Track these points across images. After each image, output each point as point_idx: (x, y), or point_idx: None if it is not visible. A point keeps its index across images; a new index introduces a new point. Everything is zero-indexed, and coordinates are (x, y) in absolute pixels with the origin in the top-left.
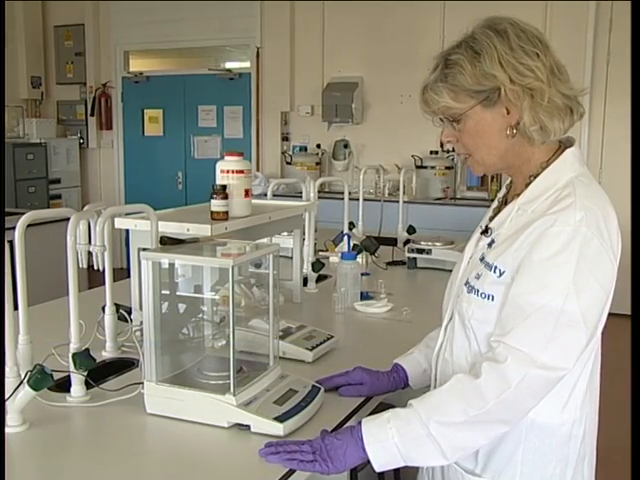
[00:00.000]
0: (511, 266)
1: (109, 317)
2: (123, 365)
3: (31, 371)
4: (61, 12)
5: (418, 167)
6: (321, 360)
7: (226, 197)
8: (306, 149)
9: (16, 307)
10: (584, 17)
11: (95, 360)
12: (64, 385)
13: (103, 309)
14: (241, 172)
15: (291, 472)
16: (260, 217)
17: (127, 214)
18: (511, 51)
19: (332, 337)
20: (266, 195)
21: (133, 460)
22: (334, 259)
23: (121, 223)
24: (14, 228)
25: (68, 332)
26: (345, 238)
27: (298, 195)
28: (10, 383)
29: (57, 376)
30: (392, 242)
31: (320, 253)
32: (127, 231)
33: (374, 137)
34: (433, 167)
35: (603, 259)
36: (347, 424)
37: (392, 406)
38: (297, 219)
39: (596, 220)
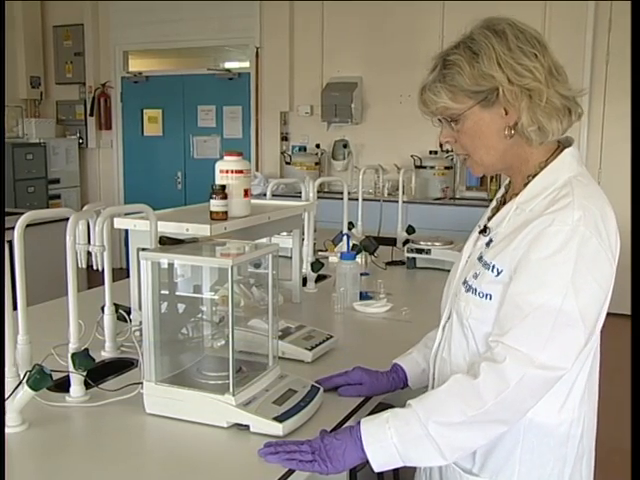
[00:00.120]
0: (509, 265)
1: (108, 317)
2: (122, 365)
3: (30, 371)
4: (60, 12)
5: (417, 167)
6: (320, 360)
7: (225, 197)
8: (305, 149)
9: (15, 307)
10: (583, 17)
11: (94, 360)
12: (63, 385)
13: (102, 309)
14: (240, 172)
15: (290, 472)
16: (259, 217)
17: (126, 214)
18: (509, 52)
19: (331, 337)
20: (265, 195)
21: (132, 460)
22: (333, 259)
23: (120, 223)
24: (13, 228)
25: (67, 332)
26: (344, 238)
27: (297, 195)
28: (9, 383)
29: (56, 376)
30: (391, 242)
31: (319, 253)
32: (126, 231)
33: (373, 137)
34: (432, 167)
35: (601, 258)
36: (346, 424)
37: (391, 406)
38: (296, 219)
39: (594, 219)
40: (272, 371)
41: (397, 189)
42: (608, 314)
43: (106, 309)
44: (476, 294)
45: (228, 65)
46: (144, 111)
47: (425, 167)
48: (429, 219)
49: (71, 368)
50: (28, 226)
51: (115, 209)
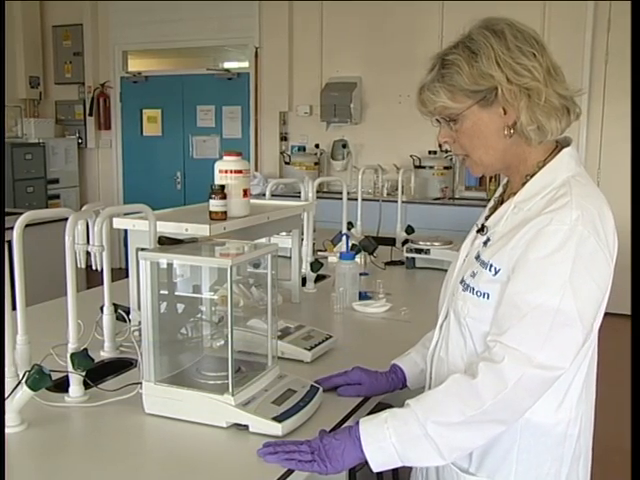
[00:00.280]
0: (507, 265)
1: (107, 317)
2: (121, 365)
3: (29, 371)
4: (59, 12)
5: (417, 167)
6: (320, 360)
7: (224, 197)
8: (304, 149)
9: (14, 307)
10: (582, 17)
11: (93, 360)
12: (62, 385)
13: (101, 309)
14: (239, 172)
15: (289, 472)
16: (258, 217)
17: (125, 214)
18: (508, 51)
19: (330, 337)
20: (265, 195)
21: (131, 460)
22: (333, 259)
23: (119, 223)
24: (12, 228)
25: (66, 332)
26: (344, 238)
27: (297, 195)
28: (8, 383)
29: (55, 376)
30: (391, 242)
31: (319, 253)
32: (125, 231)
33: (373, 137)
34: (431, 167)
35: (599, 258)
36: (345, 424)
37: (390, 406)
38: (296, 219)
39: (592, 219)
40: (271, 371)
41: (396, 189)
42: (608, 314)
43: (105, 309)
44: (474, 293)
45: (227, 65)
46: (143, 111)
47: (424, 167)
48: (428, 219)
49: (70, 368)
50: (27, 226)
51: (114, 209)
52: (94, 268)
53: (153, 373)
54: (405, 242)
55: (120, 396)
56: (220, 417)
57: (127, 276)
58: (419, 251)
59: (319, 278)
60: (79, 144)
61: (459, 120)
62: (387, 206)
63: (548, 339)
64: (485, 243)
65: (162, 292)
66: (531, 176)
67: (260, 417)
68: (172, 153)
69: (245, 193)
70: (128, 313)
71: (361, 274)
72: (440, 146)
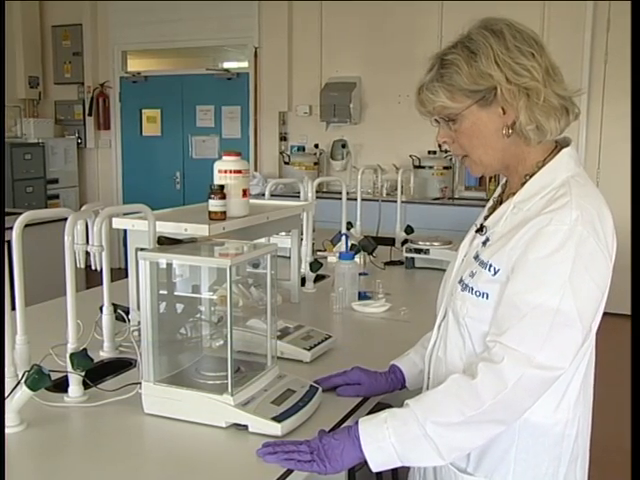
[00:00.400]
0: (506, 265)
1: (107, 317)
2: (121, 365)
3: (28, 371)
4: (59, 12)
5: (416, 167)
6: (319, 360)
7: (224, 197)
8: (304, 149)
9: (13, 307)
10: (582, 17)
11: (93, 360)
12: (62, 385)
13: (101, 309)
14: (239, 172)
15: (289, 472)
16: (258, 217)
17: (125, 214)
18: (507, 51)
19: (330, 337)
20: (264, 195)
21: (131, 460)
22: (332, 259)
23: (119, 223)
24: (12, 228)
25: (66, 332)
26: (343, 238)
27: (296, 195)
28: (8, 383)
29: (55, 376)
30: (390, 242)
31: (318, 253)
32: (125, 231)
33: (372, 137)
34: (431, 167)
35: (598, 258)
36: (345, 424)
37: (390, 406)
38: (295, 219)
39: (591, 219)
40: (271, 371)
41: (396, 189)
42: (608, 314)
43: (104, 309)
44: (472, 293)
45: (227, 65)
46: (143, 111)
47: (424, 167)
48: (428, 219)
49: (69, 368)
50: (26, 226)
51: (113, 209)
52: (93, 268)
53: (152, 373)
54: (404, 242)
55: (119, 396)
56: (219, 417)
57: (126, 276)
58: (418, 251)
59: (318, 278)
60: (78, 144)
61: (458, 120)
62: (386, 206)
63: (548, 339)
64: (484, 243)
65: (161, 292)
66: (530, 176)
67: (259, 417)
68: (171, 153)
69: (244, 193)
70: (127, 313)
71: (360, 274)
72: (439, 146)
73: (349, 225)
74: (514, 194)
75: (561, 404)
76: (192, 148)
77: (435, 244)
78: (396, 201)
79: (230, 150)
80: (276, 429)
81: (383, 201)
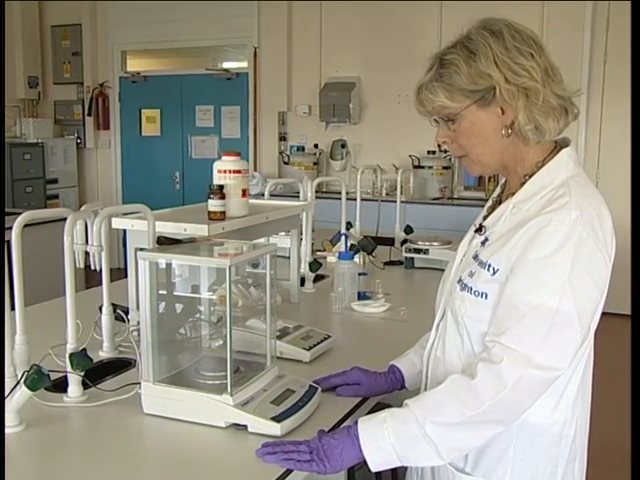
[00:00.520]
0: (505, 265)
1: (106, 317)
2: (120, 365)
3: (28, 371)
4: (58, 12)
5: (415, 167)
6: (318, 360)
7: (223, 197)
8: (303, 149)
9: (13, 307)
10: (581, 17)
11: (92, 360)
12: (61, 385)
13: (100, 309)
14: (238, 172)
15: (288, 472)
16: (257, 217)
17: (124, 214)
18: (506, 51)
19: (329, 337)
20: (263, 195)
21: (130, 460)
22: (331, 259)
23: (118, 223)
24: (11, 228)
25: (65, 332)
26: (342, 238)
27: (295, 195)
28: (7, 383)
29: (54, 376)
30: (389, 242)
31: (317, 253)
32: (124, 231)
33: (371, 137)
34: (430, 167)
35: (598, 259)
36: (344, 424)
37: (389, 406)
38: (294, 219)
39: (591, 220)
40: (270, 371)
41: (395, 189)
42: (608, 314)
43: (104, 309)
44: (471, 293)
45: (226, 65)
46: (142, 111)
47: (423, 167)
48: (427, 219)
49: (69, 368)
50: (26, 226)
51: (113, 209)
52: (93, 268)
53: (152, 373)
54: (404, 242)
55: (119, 396)
56: (219, 417)
57: (126, 276)
58: (418, 251)
59: (318, 278)
60: (78, 144)
61: (457, 120)
62: (386, 206)
63: (547, 340)
64: (483, 243)
65: (161, 292)
66: (530, 176)
67: (259, 417)
68: (171, 153)
69: (244, 193)
70: (127, 313)
71: (360, 274)
72: (439, 146)
73: (348, 225)
74: (513, 194)
75: (559, 404)
76: (191, 148)
77: (434, 244)
78: (395, 201)
79: (229, 150)
80: (275, 429)
81: (382, 201)
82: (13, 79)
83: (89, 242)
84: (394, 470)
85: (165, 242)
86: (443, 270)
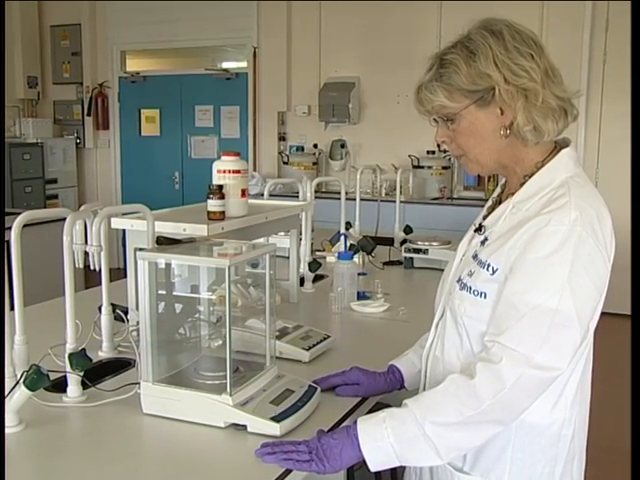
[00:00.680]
0: (504, 265)
1: (105, 317)
2: (120, 365)
3: (27, 371)
4: (58, 12)
5: (415, 167)
6: (318, 360)
7: (223, 197)
8: (303, 149)
9: (12, 307)
10: (580, 17)
11: (91, 360)
12: (60, 385)
13: (100, 309)
14: (238, 172)
15: (288, 472)
16: (257, 217)
17: (124, 214)
18: (506, 51)
19: (329, 337)
20: (263, 195)
21: (130, 460)
22: (331, 259)
23: (117, 223)
24: (10, 228)
25: (64, 332)
26: (342, 238)
27: (295, 195)
28: (6, 383)
29: (53, 376)
30: (389, 242)
31: (317, 253)
32: (124, 231)
33: (371, 137)
34: (430, 167)
35: (597, 259)
36: (343, 424)
37: (389, 406)
38: (294, 219)
39: (590, 220)
40: (269, 371)
41: (394, 189)
42: (608, 314)
43: (103, 309)
44: (471, 292)
45: (226, 65)
46: (141, 111)
47: (422, 167)
48: (426, 219)
49: (68, 368)
50: (25, 226)
51: (112, 209)
52: (92, 268)
53: (151, 373)
54: (403, 242)
55: (118, 396)
56: (218, 417)
57: (125, 276)
58: (417, 251)
59: (317, 278)
60: (77, 144)
61: (456, 120)
62: (385, 206)
63: (546, 340)
64: (483, 242)
65: (160, 292)
66: (529, 176)
67: (258, 417)
68: (170, 153)
69: (243, 193)
70: (126, 313)
71: (359, 274)
72: (438, 146)
73: (348, 225)
74: (513, 194)
75: (558, 404)
76: (191, 148)
77: (434, 244)
78: (395, 201)
79: (229, 150)
80: (275, 429)
81: (382, 201)
82: (12, 79)
83: (88, 242)
84: (393, 470)
85: (164, 242)
86: (442, 270)
